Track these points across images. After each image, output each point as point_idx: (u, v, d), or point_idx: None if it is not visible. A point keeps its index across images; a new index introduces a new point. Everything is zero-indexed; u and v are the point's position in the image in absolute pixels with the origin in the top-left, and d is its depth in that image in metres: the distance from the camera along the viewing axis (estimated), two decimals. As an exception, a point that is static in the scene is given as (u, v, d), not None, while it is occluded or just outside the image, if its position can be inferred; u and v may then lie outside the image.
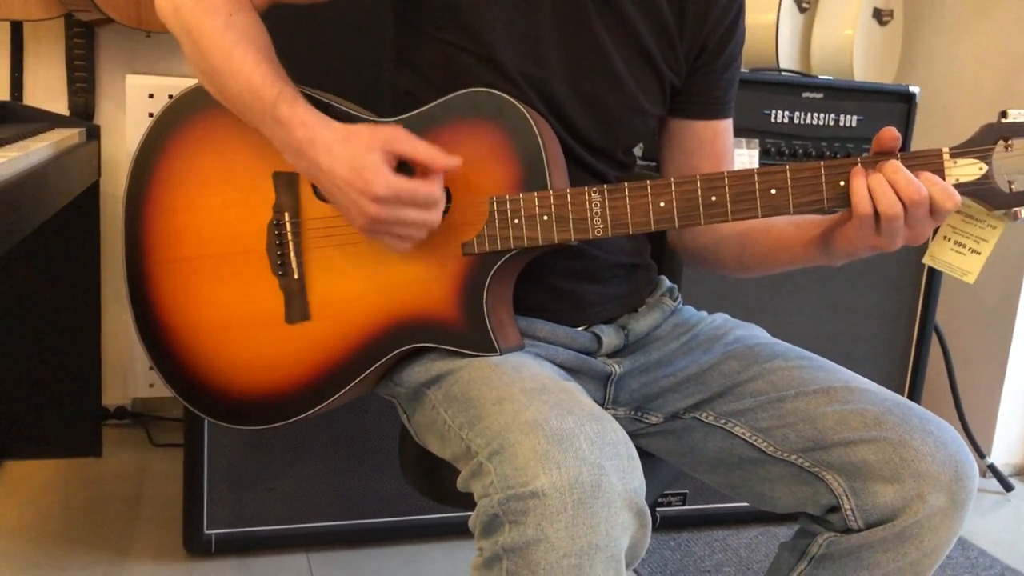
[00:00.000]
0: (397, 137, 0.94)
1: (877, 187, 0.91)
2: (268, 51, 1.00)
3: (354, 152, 0.93)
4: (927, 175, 0.90)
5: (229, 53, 0.97)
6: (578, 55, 1.06)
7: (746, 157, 1.82)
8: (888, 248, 0.94)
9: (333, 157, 0.94)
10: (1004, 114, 0.90)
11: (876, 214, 0.91)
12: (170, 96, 2.06)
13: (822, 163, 0.93)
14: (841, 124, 1.86)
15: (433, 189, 0.94)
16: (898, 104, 1.90)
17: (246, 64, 0.97)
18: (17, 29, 2.07)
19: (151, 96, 2.03)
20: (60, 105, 2.12)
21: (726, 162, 1.19)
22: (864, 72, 2.29)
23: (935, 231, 0.96)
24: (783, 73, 2.09)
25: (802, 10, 2.27)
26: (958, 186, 0.91)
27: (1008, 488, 2.28)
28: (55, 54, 2.12)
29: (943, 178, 0.91)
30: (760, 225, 1.09)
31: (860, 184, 0.91)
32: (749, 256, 1.12)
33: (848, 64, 2.26)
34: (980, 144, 0.90)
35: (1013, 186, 0.90)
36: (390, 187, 0.92)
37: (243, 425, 1.09)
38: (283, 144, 0.98)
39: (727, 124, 1.19)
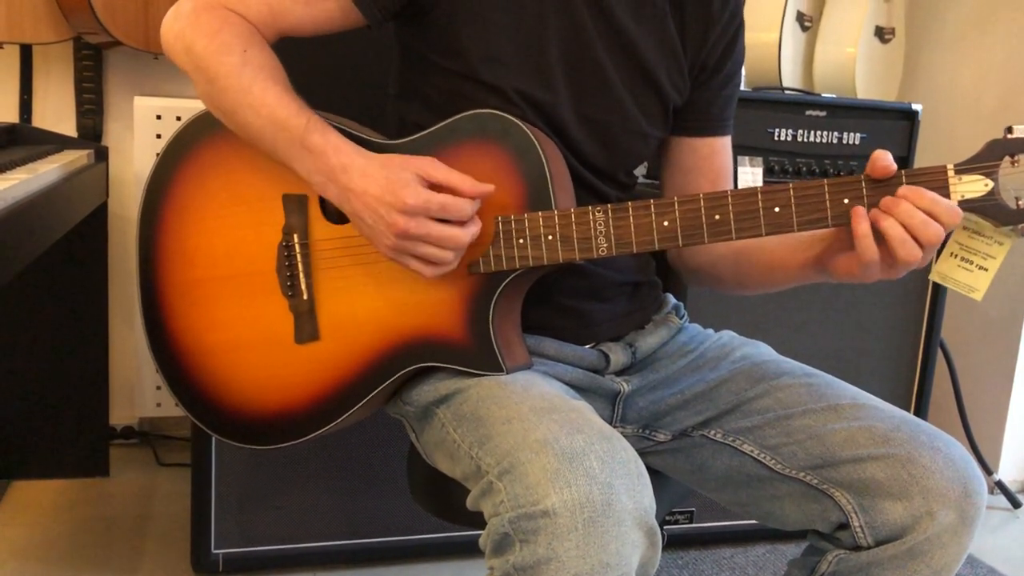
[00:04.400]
0: (432, 163, 0.96)
1: (893, 233, 0.89)
2: (286, 83, 1.01)
3: (388, 172, 0.94)
4: (924, 198, 0.89)
5: (248, 89, 0.98)
6: (581, 80, 1.07)
7: (750, 175, 1.83)
8: (896, 277, 0.94)
9: (368, 179, 0.95)
10: (1010, 130, 0.89)
11: (883, 254, 0.91)
12: (178, 118, 2.06)
13: (826, 181, 0.93)
14: (844, 142, 1.87)
15: (465, 204, 0.94)
16: (901, 121, 1.90)
17: (268, 98, 0.98)
18: (27, 52, 2.09)
19: (159, 117, 2.05)
20: (69, 127, 2.14)
21: (724, 179, 1.20)
22: (866, 90, 2.31)
23: (941, 247, 0.96)
24: (786, 91, 2.10)
25: (804, 29, 2.29)
26: (963, 203, 0.90)
27: (1016, 505, 2.27)
28: (64, 77, 2.14)
29: (948, 195, 0.90)
30: (754, 244, 1.09)
31: (865, 232, 0.90)
32: (745, 275, 1.13)
33: (851, 82, 2.28)
34: (986, 160, 0.89)
35: (1020, 202, 0.89)
36: (419, 196, 0.93)
37: (255, 445, 1.10)
38: (312, 171, 0.98)
39: (725, 142, 1.20)
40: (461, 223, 0.95)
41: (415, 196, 0.93)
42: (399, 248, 0.95)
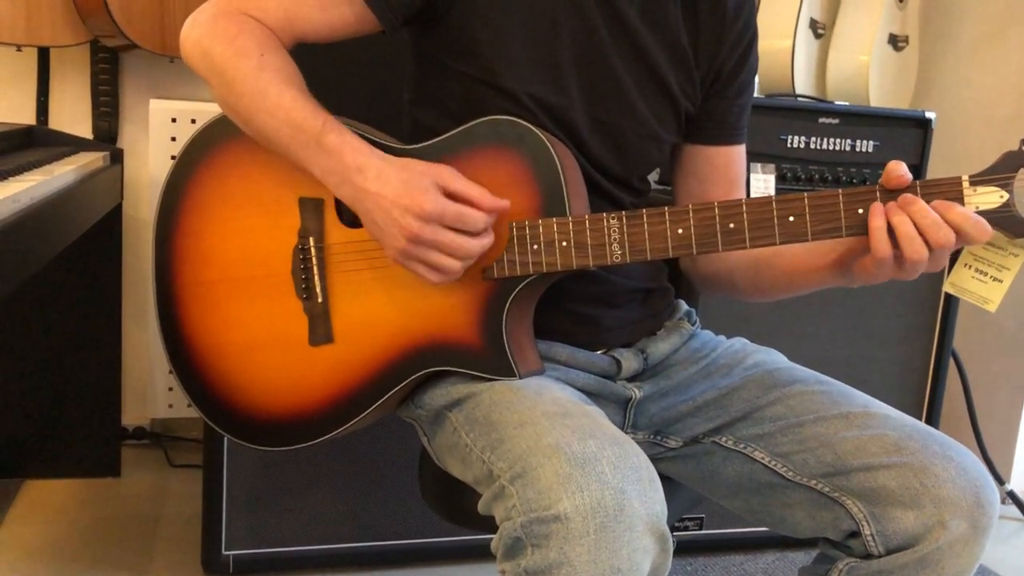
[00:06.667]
0: (451, 172, 0.96)
1: (903, 230, 0.89)
2: (302, 86, 1.01)
3: (407, 177, 0.94)
4: (947, 206, 0.89)
5: (265, 93, 0.99)
6: (594, 84, 1.08)
7: (762, 182, 1.83)
8: (907, 278, 0.94)
9: (383, 180, 0.95)
10: None
11: (896, 251, 0.91)
12: (193, 121, 2.07)
13: (840, 191, 0.93)
14: (857, 150, 1.87)
15: (480, 217, 0.95)
16: (914, 130, 1.90)
17: (284, 101, 0.98)
18: (44, 55, 2.11)
19: (174, 120, 2.06)
20: (84, 129, 2.15)
21: (738, 187, 1.20)
22: (880, 98, 2.31)
23: (955, 258, 0.96)
24: (799, 98, 2.10)
25: (818, 36, 2.29)
26: (978, 214, 0.90)
27: (1028, 515, 2.27)
28: (80, 79, 2.15)
29: (963, 205, 0.90)
30: (772, 251, 1.09)
31: (880, 226, 0.90)
32: (764, 281, 1.13)
33: (864, 90, 2.27)
34: (1001, 172, 0.90)
35: None
36: (437, 203, 0.93)
37: (267, 445, 1.10)
38: (327, 170, 0.98)
39: (740, 150, 1.20)
40: (474, 234, 0.95)
41: (433, 202, 0.93)
42: (408, 252, 0.95)
